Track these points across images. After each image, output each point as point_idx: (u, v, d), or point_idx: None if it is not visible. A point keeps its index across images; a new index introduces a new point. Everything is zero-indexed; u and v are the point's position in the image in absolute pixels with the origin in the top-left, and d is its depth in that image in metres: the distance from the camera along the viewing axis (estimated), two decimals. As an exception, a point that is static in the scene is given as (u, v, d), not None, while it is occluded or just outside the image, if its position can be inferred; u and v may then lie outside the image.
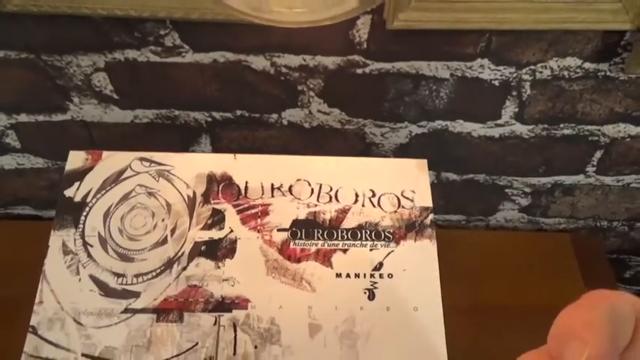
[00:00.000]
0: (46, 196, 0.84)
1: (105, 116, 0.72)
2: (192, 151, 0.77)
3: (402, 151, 0.76)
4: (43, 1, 0.57)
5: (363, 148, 0.76)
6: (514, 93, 0.69)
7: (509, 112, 0.71)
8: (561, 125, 0.73)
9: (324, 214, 0.55)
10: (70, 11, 0.58)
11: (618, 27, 0.60)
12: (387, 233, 0.54)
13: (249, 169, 0.57)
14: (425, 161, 0.58)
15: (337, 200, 0.56)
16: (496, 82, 0.67)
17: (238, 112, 0.72)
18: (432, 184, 0.81)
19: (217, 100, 0.70)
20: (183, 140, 0.76)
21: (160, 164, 0.57)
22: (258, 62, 0.66)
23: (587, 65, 0.66)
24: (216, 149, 0.77)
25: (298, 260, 0.53)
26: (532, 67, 0.66)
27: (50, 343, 0.48)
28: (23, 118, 0.73)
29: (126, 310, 0.50)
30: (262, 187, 0.56)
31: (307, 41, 0.64)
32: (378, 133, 0.74)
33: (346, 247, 0.53)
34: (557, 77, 0.67)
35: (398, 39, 0.63)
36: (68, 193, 0.55)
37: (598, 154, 0.77)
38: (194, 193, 0.55)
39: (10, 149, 0.77)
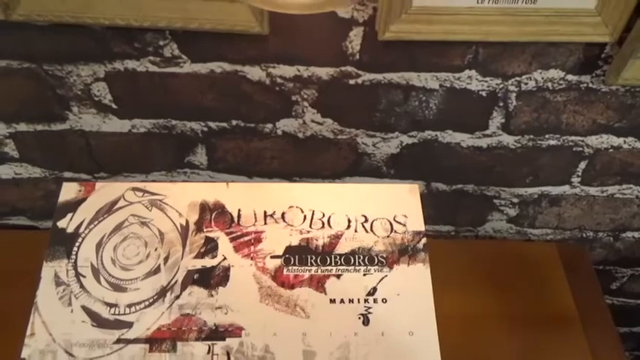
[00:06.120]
0: (42, 206, 0.85)
1: (103, 125, 0.74)
2: (189, 161, 0.79)
3: (392, 161, 0.78)
4: (47, 11, 0.59)
5: (355, 158, 0.78)
6: (501, 104, 0.71)
7: (497, 123, 0.73)
8: (547, 136, 0.75)
9: (317, 240, 0.55)
10: (74, 21, 0.60)
11: (597, 40, 0.63)
12: (380, 258, 0.54)
13: (242, 197, 0.57)
14: (417, 186, 0.59)
15: (330, 226, 0.56)
16: (483, 93, 0.70)
17: (234, 122, 0.74)
18: (422, 195, 0.83)
19: (213, 110, 0.72)
20: (179, 150, 0.77)
21: (153, 194, 0.57)
22: (254, 73, 0.68)
23: (569, 77, 0.69)
24: (211, 159, 0.78)
25: (292, 286, 0.53)
26: (517, 78, 0.68)
27: None
28: (22, 127, 0.74)
29: (118, 341, 0.49)
30: (255, 214, 0.56)
31: (302, 52, 0.66)
32: (370, 143, 0.76)
33: (340, 272, 0.54)
34: (541, 88, 0.70)
35: (389, 50, 0.65)
36: (61, 224, 0.55)
37: (582, 165, 0.79)
38: (187, 221, 0.56)
39: (7, 159, 0.78)
